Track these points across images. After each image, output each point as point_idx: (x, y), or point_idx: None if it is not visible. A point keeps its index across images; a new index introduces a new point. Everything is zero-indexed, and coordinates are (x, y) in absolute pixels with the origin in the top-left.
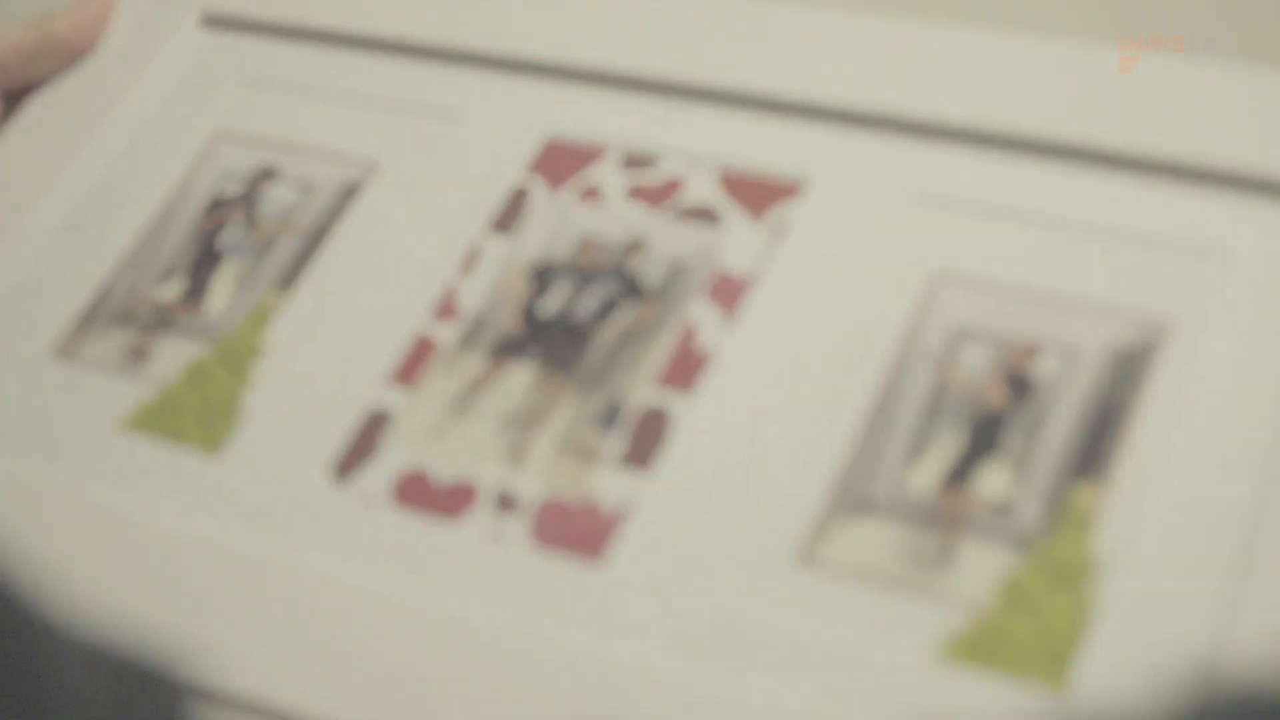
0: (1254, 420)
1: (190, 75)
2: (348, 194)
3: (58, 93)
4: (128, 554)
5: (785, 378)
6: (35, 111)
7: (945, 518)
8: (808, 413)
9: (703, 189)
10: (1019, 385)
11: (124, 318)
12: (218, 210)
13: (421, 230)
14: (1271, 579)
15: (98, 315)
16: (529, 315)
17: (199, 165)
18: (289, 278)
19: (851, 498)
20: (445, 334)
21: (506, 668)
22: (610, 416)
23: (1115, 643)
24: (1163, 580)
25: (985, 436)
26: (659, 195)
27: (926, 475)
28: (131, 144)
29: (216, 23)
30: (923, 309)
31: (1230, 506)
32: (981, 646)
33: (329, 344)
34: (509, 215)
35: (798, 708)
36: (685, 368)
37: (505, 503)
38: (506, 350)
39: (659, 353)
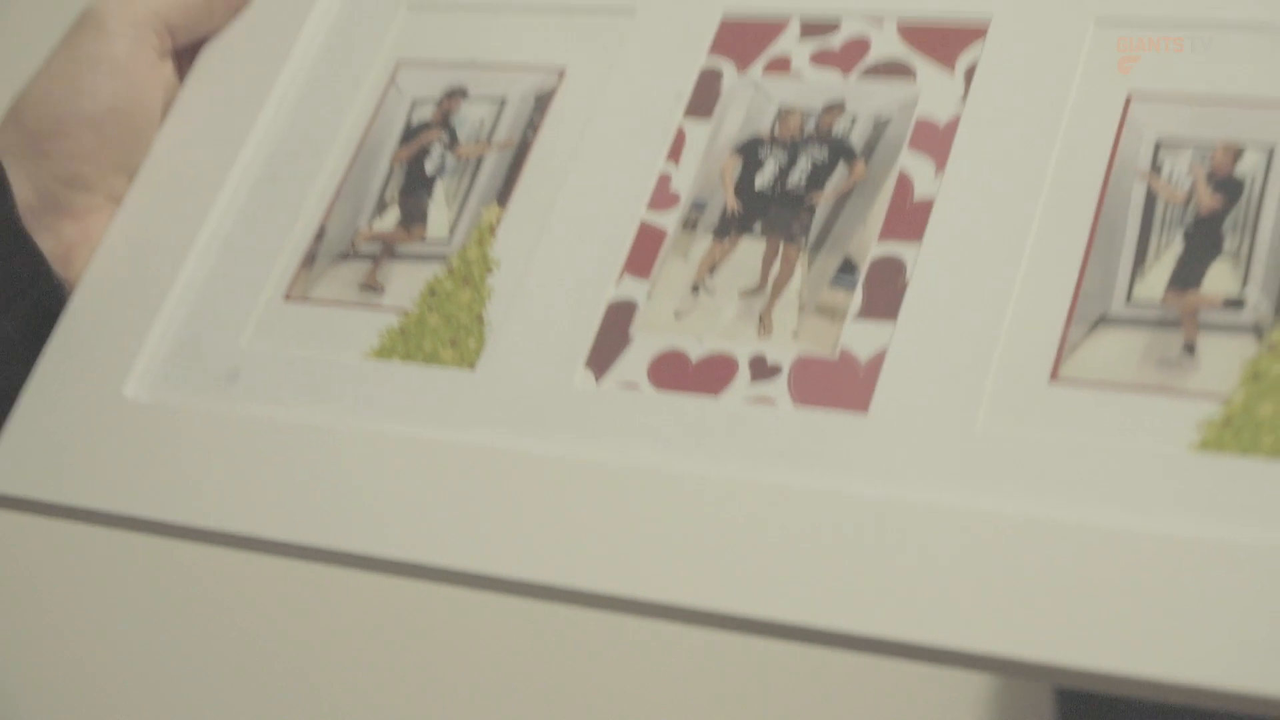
0: None
1: (352, 7)
2: (541, 102)
3: (229, 43)
4: (414, 478)
5: (1006, 214)
6: (211, 65)
7: (1180, 318)
8: (1034, 243)
9: (888, 45)
10: (1228, 186)
11: (346, 254)
12: (416, 137)
13: (622, 127)
14: None
15: (318, 256)
16: (745, 191)
17: (386, 96)
18: (503, 191)
19: (1090, 314)
20: (668, 221)
21: (790, 523)
22: (847, 273)
23: None
24: None
25: (1205, 239)
26: (847, 58)
27: (1155, 283)
28: (311, 84)
29: None
30: (1123, 127)
31: None
32: (1234, 432)
33: (557, 247)
34: (704, 100)
35: (1073, 513)
36: (909, 218)
37: (762, 370)
38: (730, 228)
39: (879, 208)
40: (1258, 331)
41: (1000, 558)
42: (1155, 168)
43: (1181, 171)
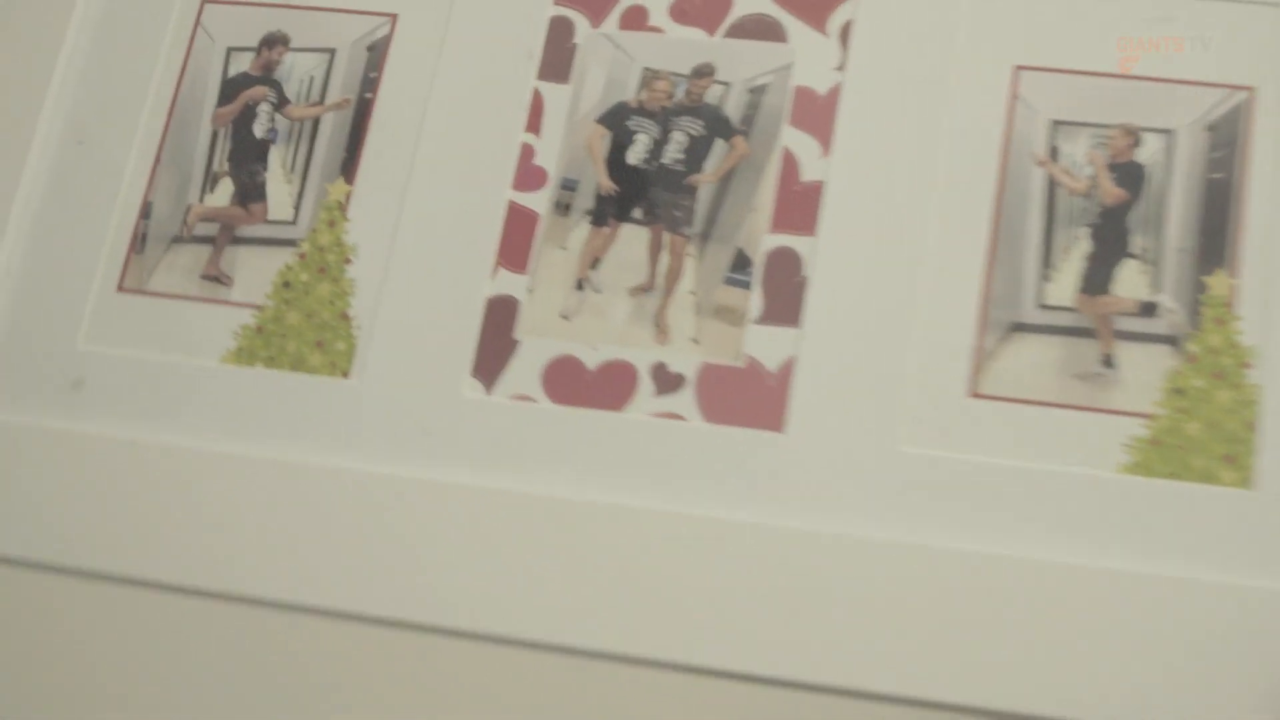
0: None
1: None
2: (375, 54)
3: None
4: (289, 507)
5: (901, 200)
6: None
7: (1095, 326)
8: (935, 234)
9: (756, 1)
10: (1129, 175)
11: (179, 237)
12: (236, 93)
13: (470, 88)
14: None
15: (148, 238)
16: (617, 168)
17: (195, 41)
18: (348, 161)
19: (1002, 321)
20: (538, 202)
21: (710, 560)
22: (741, 269)
23: None
24: None
25: (1111, 236)
26: (710, 14)
27: (1065, 285)
28: (106, 27)
29: None
30: (1014, 102)
31: None
32: (1161, 454)
33: (418, 231)
34: (559, 59)
35: (1004, 545)
36: (799, 206)
37: (665, 380)
38: (607, 213)
39: (766, 191)
40: (1174, 341)
41: (930, 596)
42: (1052, 152)
43: (1080, 157)
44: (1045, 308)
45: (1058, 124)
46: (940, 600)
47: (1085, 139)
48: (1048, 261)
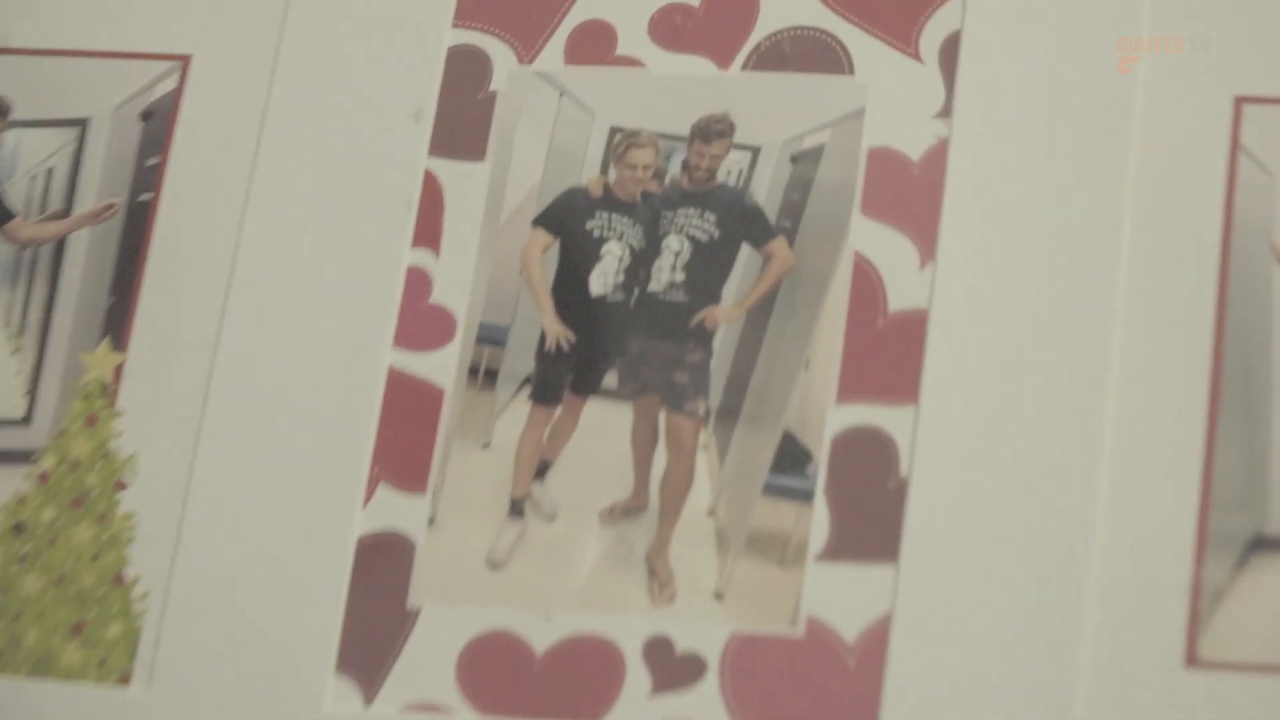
0: None
1: None
2: (154, 123)
3: None
4: None
5: (1059, 340)
6: None
7: None
8: (1116, 397)
9: (798, 7)
10: None
11: None
12: None
13: (318, 174)
14: None
15: None
16: (573, 302)
17: None
18: (115, 314)
19: (1235, 532)
20: (438, 369)
21: None
22: (795, 469)
23: None
24: None
25: None
26: (722, 29)
27: None
28: None
29: None
30: (1235, 160)
31: None
32: None
33: (234, 428)
34: (468, 118)
35: None
36: (887, 358)
37: (669, 664)
38: (559, 381)
39: (830, 332)
40: None
41: None
42: None
43: None
44: None
45: None
46: None
47: None
48: None
